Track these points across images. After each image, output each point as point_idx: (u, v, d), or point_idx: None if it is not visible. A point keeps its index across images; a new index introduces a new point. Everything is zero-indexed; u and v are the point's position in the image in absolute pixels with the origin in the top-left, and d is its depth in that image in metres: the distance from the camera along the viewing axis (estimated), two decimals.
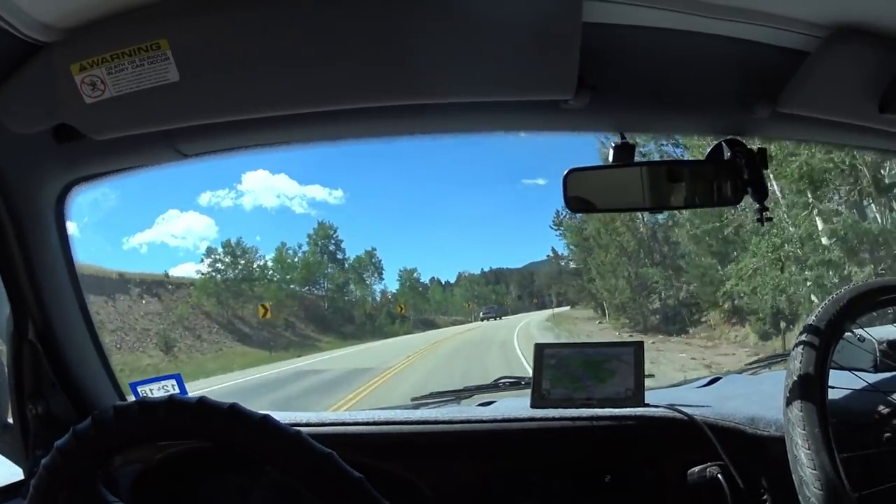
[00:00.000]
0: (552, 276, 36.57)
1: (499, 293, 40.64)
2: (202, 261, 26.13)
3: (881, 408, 0.98)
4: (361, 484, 0.59)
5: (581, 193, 0.94)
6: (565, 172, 0.92)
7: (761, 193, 0.93)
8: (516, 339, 15.88)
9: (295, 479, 0.60)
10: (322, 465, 0.59)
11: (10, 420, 0.98)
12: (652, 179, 0.94)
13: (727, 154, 0.93)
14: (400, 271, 36.06)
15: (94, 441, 0.61)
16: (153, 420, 0.61)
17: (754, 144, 0.94)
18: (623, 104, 0.88)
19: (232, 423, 0.61)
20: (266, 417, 0.61)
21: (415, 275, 36.27)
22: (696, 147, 8.43)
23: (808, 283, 9.54)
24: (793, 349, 0.89)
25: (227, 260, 26.27)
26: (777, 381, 0.95)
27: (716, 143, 0.94)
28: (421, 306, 35.03)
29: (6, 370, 0.97)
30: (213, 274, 25.59)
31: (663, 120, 0.99)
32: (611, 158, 0.93)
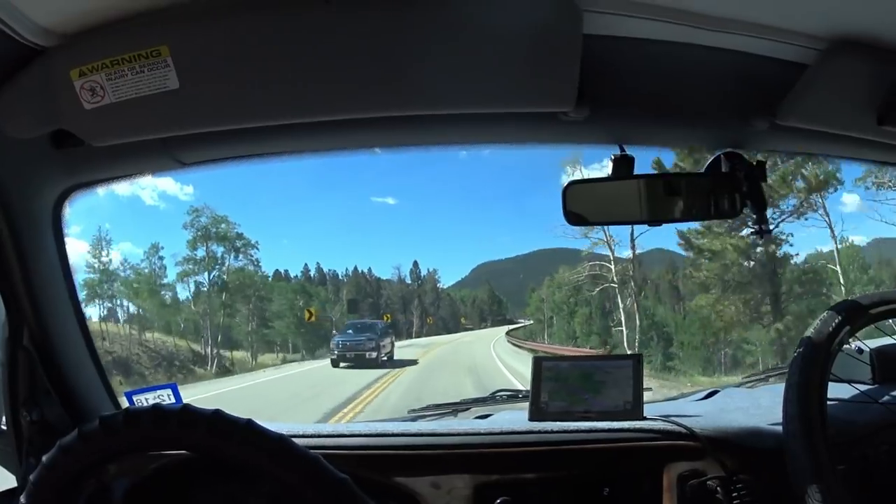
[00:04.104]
0: (408, 294, 32.73)
1: (318, 296, 26.40)
2: None
3: (879, 419, 0.97)
4: None
5: (579, 206, 0.94)
6: (565, 185, 0.92)
7: (760, 206, 0.93)
8: None
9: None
10: (337, 492, 0.60)
11: (4, 427, 0.97)
12: (651, 192, 0.94)
13: (725, 167, 0.93)
14: None
15: (81, 454, 0.61)
16: (139, 430, 0.61)
17: (753, 158, 0.95)
18: (622, 116, 0.88)
19: (247, 441, 0.61)
20: (282, 438, 0.61)
21: None
22: None
23: None
24: (792, 361, 0.88)
25: None
26: (775, 395, 0.94)
27: (714, 155, 0.95)
28: None
29: (1, 376, 0.96)
30: None
31: (662, 133, 0.99)
32: (609, 171, 0.93)
